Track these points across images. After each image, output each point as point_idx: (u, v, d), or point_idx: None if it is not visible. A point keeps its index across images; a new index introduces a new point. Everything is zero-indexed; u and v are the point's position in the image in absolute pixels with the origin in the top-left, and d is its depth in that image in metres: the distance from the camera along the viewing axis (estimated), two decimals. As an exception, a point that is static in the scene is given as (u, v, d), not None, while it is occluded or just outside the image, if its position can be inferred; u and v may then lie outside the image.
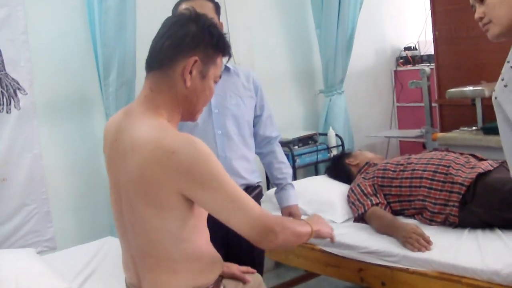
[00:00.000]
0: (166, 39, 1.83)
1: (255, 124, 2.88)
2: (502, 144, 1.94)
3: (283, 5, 4.91)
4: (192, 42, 1.81)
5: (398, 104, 5.88)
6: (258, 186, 2.87)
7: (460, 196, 2.98)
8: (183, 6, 2.55)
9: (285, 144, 4.09)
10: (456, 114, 4.95)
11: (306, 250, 3.26)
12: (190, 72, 1.80)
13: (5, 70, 3.32)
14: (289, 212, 2.98)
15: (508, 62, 1.85)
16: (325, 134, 4.77)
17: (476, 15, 1.89)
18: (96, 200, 3.75)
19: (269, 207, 3.35)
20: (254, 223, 1.70)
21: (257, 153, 2.96)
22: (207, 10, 2.56)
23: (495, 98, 1.88)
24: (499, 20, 1.83)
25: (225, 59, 1.98)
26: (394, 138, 5.75)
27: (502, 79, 1.86)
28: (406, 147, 5.69)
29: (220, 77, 1.97)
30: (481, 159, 3.25)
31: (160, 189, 1.71)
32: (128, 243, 1.89)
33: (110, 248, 3.19)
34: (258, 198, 2.84)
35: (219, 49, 1.88)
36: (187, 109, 1.88)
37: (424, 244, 2.77)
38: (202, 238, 1.88)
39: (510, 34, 1.83)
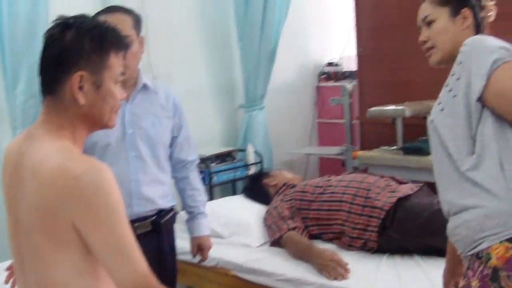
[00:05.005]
0: (45, 60, 1.64)
1: (171, 146, 2.74)
2: (434, 166, 1.93)
3: (205, 17, 4.76)
4: (71, 56, 1.61)
5: (319, 120, 5.81)
6: (171, 210, 2.73)
7: (380, 221, 2.96)
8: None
9: (202, 161, 3.94)
10: (376, 132, 4.93)
11: (220, 275, 3.15)
12: (81, 88, 1.63)
13: None
14: (199, 243, 2.85)
15: (447, 86, 1.85)
16: (244, 151, 4.64)
17: (421, 38, 1.96)
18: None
19: (182, 228, 3.16)
20: (138, 280, 1.54)
21: (172, 177, 2.82)
22: (125, 25, 2.41)
23: (432, 121, 1.89)
24: (442, 46, 1.90)
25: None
26: (314, 155, 5.68)
27: (439, 103, 1.87)
28: (326, 164, 5.64)
29: (123, 74, 1.76)
30: (401, 182, 3.22)
31: (57, 217, 1.53)
32: (25, 277, 1.70)
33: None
34: (171, 222, 2.73)
35: (107, 50, 1.66)
36: (93, 124, 1.70)
37: (341, 272, 2.72)
38: (105, 273, 1.70)
39: (451, 61, 1.86)
